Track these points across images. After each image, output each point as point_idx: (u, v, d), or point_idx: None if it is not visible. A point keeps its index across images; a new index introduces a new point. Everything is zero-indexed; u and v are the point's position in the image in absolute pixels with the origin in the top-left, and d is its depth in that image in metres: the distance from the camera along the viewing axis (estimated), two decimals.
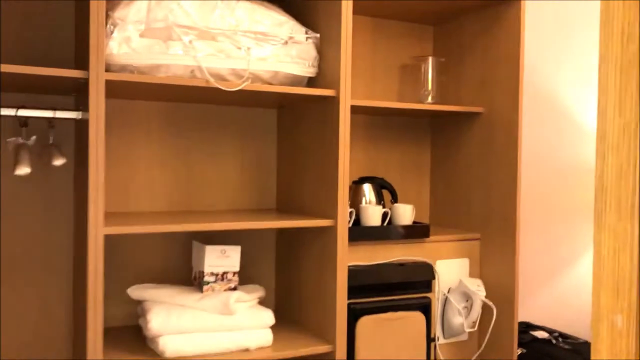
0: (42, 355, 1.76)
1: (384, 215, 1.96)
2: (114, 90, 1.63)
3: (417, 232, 1.96)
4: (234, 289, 1.72)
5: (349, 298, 1.77)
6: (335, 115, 1.68)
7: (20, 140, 1.60)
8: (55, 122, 1.71)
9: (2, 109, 1.54)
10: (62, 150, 1.68)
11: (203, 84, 1.54)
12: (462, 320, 1.96)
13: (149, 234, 1.88)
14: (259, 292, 1.76)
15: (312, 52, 1.74)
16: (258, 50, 1.63)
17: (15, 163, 1.54)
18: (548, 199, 2.70)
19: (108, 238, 1.82)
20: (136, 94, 1.72)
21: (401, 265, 1.91)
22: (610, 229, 0.66)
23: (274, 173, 2.07)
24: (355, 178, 2.13)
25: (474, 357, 2.04)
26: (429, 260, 1.96)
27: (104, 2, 1.43)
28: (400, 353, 1.85)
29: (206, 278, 1.68)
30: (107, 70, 1.47)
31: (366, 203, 2.03)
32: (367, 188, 2.05)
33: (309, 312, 1.83)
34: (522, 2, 1.95)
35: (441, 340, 1.99)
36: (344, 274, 1.69)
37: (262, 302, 1.98)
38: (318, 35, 1.74)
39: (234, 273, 1.72)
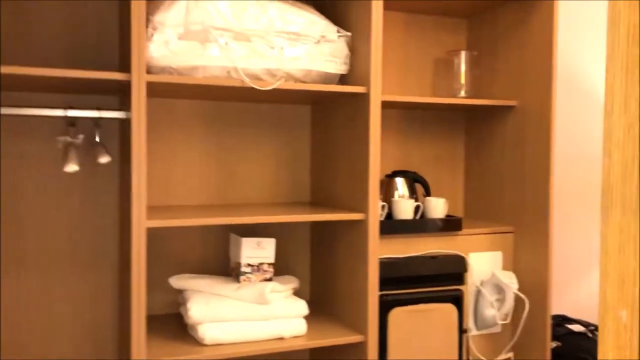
0: (92, 341, 1.87)
1: (417, 208, 1.99)
2: (155, 90, 1.71)
3: (449, 225, 1.98)
4: (269, 279, 1.78)
5: (381, 290, 1.82)
6: (366, 111, 1.73)
7: (69, 139, 1.70)
8: (101, 121, 1.81)
9: (53, 110, 1.64)
10: (107, 148, 1.78)
11: (238, 84, 1.60)
12: (494, 312, 1.98)
13: (189, 226, 1.97)
14: (293, 283, 1.83)
15: (343, 50, 1.78)
16: (291, 49, 1.68)
17: (65, 161, 1.64)
18: (582, 191, 2.67)
19: (151, 231, 1.92)
20: (176, 93, 1.80)
21: (433, 257, 1.94)
22: (616, 225, 0.68)
23: (308, 167, 2.13)
24: (389, 172, 2.17)
25: (506, 349, 2.06)
26: (461, 253, 1.98)
27: (145, 6, 1.50)
28: (432, 344, 1.89)
29: (243, 269, 1.76)
30: (147, 72, 1.55)
31: (399, 197, 2.06)
32: (400, 182, 2.09)
33: (342, 303, 1.89)
34: None
35: (473, 332, 2.02)
36: (375, 266, 1.74)
37: (298, 293, 2.05)
38: (349, 34, 1.78)
39: (269, 264, 1.78)
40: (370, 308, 1.73)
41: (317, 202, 2.07)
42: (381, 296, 1.83)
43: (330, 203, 1.97)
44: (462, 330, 1.95)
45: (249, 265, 1.76)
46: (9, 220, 1.78)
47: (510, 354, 2.07)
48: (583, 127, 2.66)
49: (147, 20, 1.56)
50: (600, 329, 0.69)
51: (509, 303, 1.97)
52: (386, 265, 1.84)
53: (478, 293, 2.02)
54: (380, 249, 1.88)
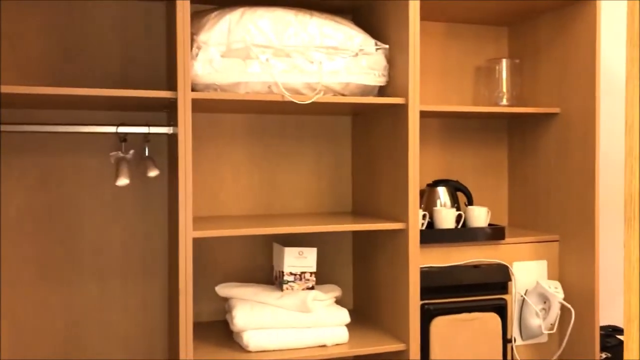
0: (143, 346, 1.95)
1: (458, 217, 2.00)
2: (201, 106, 1.79)
3: (491, 234, 1.98)
4: (312, 288, 1.83)
5: (423, 299, 1.83)
6: (405, 122, 1.75)
7: (121, 154, 1.80)
8: (150, 136, 1.90)
9: (106, 127, 1.74)
10: (156, 162, 1.86)
11: (279, 99, 1.66)
12: (539, 322, 1.96)
13: (234, 236, 2.03)
14: (335, 292, 1.86)
15: (381, 62, 1.81)
16: (330, 63, 1.73)
17: (116, 175, 1.73)
18: None
19: (198, 240, 1.99)
20: (221, 108, 1.88)
21: (476, 267, 1.93)
22: (637, 235, 0.69)
23: (350, 177, 2.17)
24: (431, 181, 2.18)
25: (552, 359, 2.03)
26: (504, 262, 1.97)
27: (189, 27, 1.58)
28: (476, 353, 1.88)
29: (285, 277, 1.81)
30: (192, 90, 1.63)
31: (440, 206, 2.07)
32: (442, 191, 2.09)
33: (384, 312, 1.91)
34: (597, 0, 1.92)
35: (519, 342, 2.00)
36: (416, 275, 1.75)
37: (341, 302, 2.08)
38: (387, 46, 1.81)
39: (311, 273, 1.83)
40: (411, 316, 1.75)
41: (358, 212, 2.10)
42: (423, 305, 1.84)
43: (372, 213, 1.99)
44: (506, 340, 1.93)
45: (291, 274, 1.81)
46: (69, 232, 1.88)
47: None
48: None
49: (192, 40, 1.64)
50: (625, 335, 0.70)
51: (554, 312, 1.94)
52: (428, 274, 1.86)
53: (523, 302, 2.00)
54: (421, 258, 1.89)
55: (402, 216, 1.78)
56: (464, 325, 1.88)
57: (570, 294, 2.01)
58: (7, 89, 1.47)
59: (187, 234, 1.58)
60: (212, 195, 2.02)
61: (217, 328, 1.92)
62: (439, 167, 2.27)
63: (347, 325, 1.81)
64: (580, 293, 1.98)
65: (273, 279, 1.97)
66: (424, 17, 2.17)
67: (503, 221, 2.35)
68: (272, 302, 1.76)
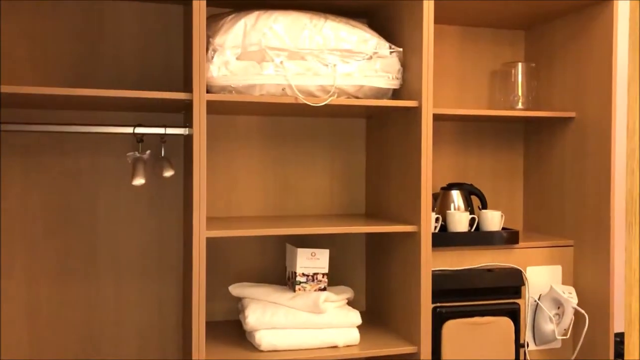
0: (157, 344, 1.98)
1: (472, 221, 1.99)
2: (216, 107, 1.81)
3: (505, 238, 1.97)
4: (324, 289, 1.84)
5: (435, 302, 1.83)
6: (418, 125, 1.76)
7: (137, 154, 1.83)
8: (166, 137, 1.93)
9: (123, 127, 1.78)
10: (172, 163, 1.89)
11: (292, 101, 1.68)
12: (553, 327, 1.95)
13: (248, 237, 2.05)
14: (347, 294, 1.87)
15: (395, 65, 1.82)
16: (344, 66, 1.74)
17: (133, 175, 1.76)
18: None
19: (213, 241, 2.02)
20: (236, 110, 1.90)
21: (489, 270, 1.93)
22: (639, 240, 0.69)
23: (363, 180, 2.18)
24: (445, 184, 2.18)
25: None
26: (518, 267, 1.96)
27: (205, 30, 1.61)
28: (488, 358, 1.88)
29: (298, 278, 1.82)
30: (208, 92, 1.66)
31: (454, 209, 2.07)
32: (456, 194, 2.09)
33: (396, 314, 1.91)
34: (615, 3, 1.90)
35: (532, 347, 1.99)
36: (428, 278, 1.76)
37: (354, 303, 2.09)
38: (401, 49, 1.82)
39: (324, 274, 1.84)
40: (423, 319, 1.75)
41: (371, 214, 2.11)
42: (435, 308, 1.84)
43: (385, 215, 2.00)
44: (519, 345, 1.92)
45: (303, 274, 1.82)
46: (86, 230, 1.92)
47: None
48: None
49: (208, 43, 1.66)
50: (625, 337, 0.70)
51: (568, 317, 1.93)
52: (440, 277, 1.85)
53: (536, 307, 1.99)
54: (434, 261, 1.89)
55: (415, 219, 1.78)
56: (477, 329, 1.88)
57: (584, 300, 2.00)
58: (25, 89, 1.50)
59: (200, 233, 1.60)
60: (226, 196, 2.04)
61: (230, 327, 1.94)
62: (454, 170, 2.27)
63: (359, 327, 1.82)
64: (595, 299, 1.97)
65: (285, 280, 1.98)
66: (440, 20, 2.17)
67: (518, 225, 2.33)
68: (284, 302, 1.77)
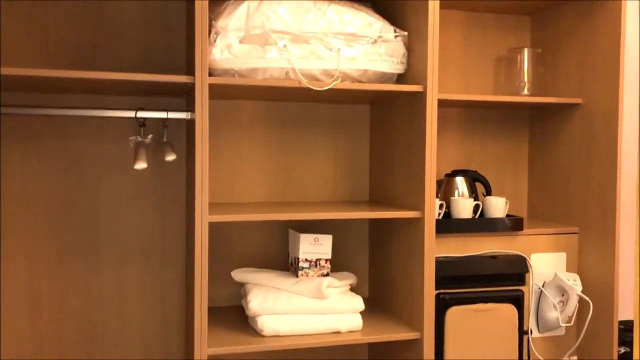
0: (160, 330, 1.98)
1: (476, 207, 1.98)
2: (218, 92, 1.80)
3: (509, 225, 1.96)
4: (326, 275, 1.83)
5: (439, 288, 1.83)
6: (423, 110, 1.74)
7: (139, 138, 1.81)
8: (169, 121, 1.92)
9: (126, 111, 1.76)
10: (174, 147, 1.88)
11: (296, 85, 1.66)
12: (557, 314, 1.94)
13: (251, 222, 2.05)
14: (350, 279, 1.86)
15: (400, 49, 1.80)
16: (348, 50, 1.72)
17: (135, 159, 1.75)
18: None
19: (216, 227, 2.01)
20: (239, 94, 1.88)
21: (493, 257, 1.92)
22: None
23: (367, 166, 2.16)
24: (449, 171, 2.16)
25: (569, 352, 2.01)
26: (522, 254, 1.95)
27: (207, 12, 1.59)
28: (491, 344, 1.87)
29: (301, 264, 1.81)
30: (211, 75, 1.64)
31: (458, 196, 2.05)
32: (460, 181, 2.08)
33: (399, 300, 1.91)
34: None
35: (536, 334, 1.98)
36: (432, 265, 1.75)
37: (357, 289, 2.08)
38: (406, 33, 1.80)
39: (327, 260, 1.83)
40: (426, 305, 1.74)
41: (375, 201, 2.10)
42: (439, 294, 1.84)
43: (389, 201, 1.99)
44: (522, 332, 1.92)
45: (306, 260, 1.81)
46: (88, 214, 1.91)
47: (574, 358, 2.01)
48: None
49: (210, 25, 1.65)
50: (634, 338, 0.69)
51: (572, 305, 1.92)
52: (444, 263, 1.84)
53: (540, 294, 1.98)
54: (438, 248, 1.88)
55: (419, 205, 1.77)
56: (480, 316, 1.87)
57: (589, 287, 1.99)
58: (28, 71, 1.49)
59: (202, 218, 1.59)
60: (228, 182, 2.03)
61: (233, 313, 1.94)
62: (459, 157, 2.25)
63: (362, 313, 1.81)
64: (600, 286, 1.95)
65: (288, 266, 1.98)
66: (445, 6, 2.15)
67: (522, 212, 2.32)
68: (287, 287, 1.77)
